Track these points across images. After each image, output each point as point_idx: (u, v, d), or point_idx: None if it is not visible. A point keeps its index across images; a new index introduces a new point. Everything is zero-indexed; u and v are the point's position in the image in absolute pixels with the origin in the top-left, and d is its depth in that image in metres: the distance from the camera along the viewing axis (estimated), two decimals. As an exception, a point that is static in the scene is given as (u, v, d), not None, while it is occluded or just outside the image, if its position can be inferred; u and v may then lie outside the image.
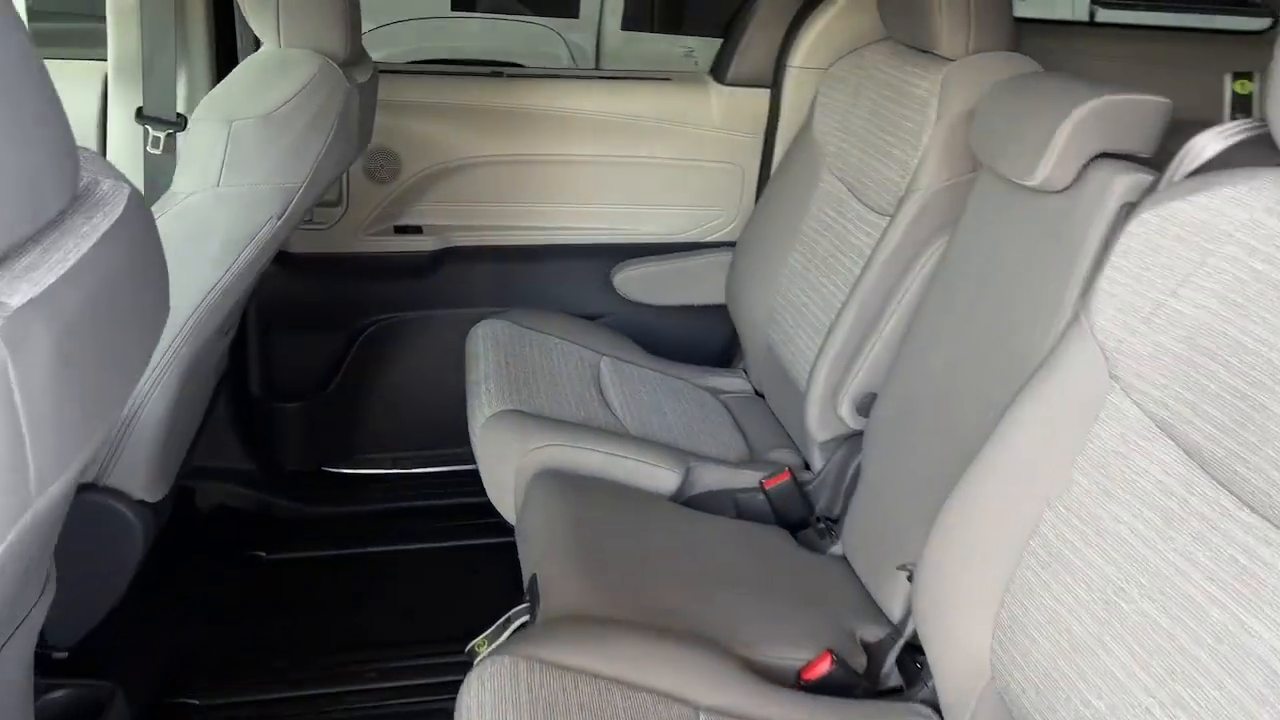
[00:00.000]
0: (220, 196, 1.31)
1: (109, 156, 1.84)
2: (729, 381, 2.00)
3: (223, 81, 1.38)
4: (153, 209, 1.36)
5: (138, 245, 0.71)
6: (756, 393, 1.99)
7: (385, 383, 2.16)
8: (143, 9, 1.73)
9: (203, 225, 1.31)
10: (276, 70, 1.37)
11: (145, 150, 1.79)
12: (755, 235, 1.98)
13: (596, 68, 4.47)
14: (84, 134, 1.88)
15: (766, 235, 1.94)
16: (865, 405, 1.55)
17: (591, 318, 2.15)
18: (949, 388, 1.31)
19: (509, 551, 1.53)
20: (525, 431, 1.56)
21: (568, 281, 2.15)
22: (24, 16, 0.66)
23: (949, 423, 1.29)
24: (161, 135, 1.77)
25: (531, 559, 1.39)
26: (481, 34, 4.39)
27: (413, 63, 2.35)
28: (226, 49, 1.81)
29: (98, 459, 1.38)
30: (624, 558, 1.37)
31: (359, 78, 1.49)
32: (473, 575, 1.92)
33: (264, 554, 1.94)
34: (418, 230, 2.05)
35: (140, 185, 1.81)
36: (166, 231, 1.36)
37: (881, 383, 1.50)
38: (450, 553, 1.98)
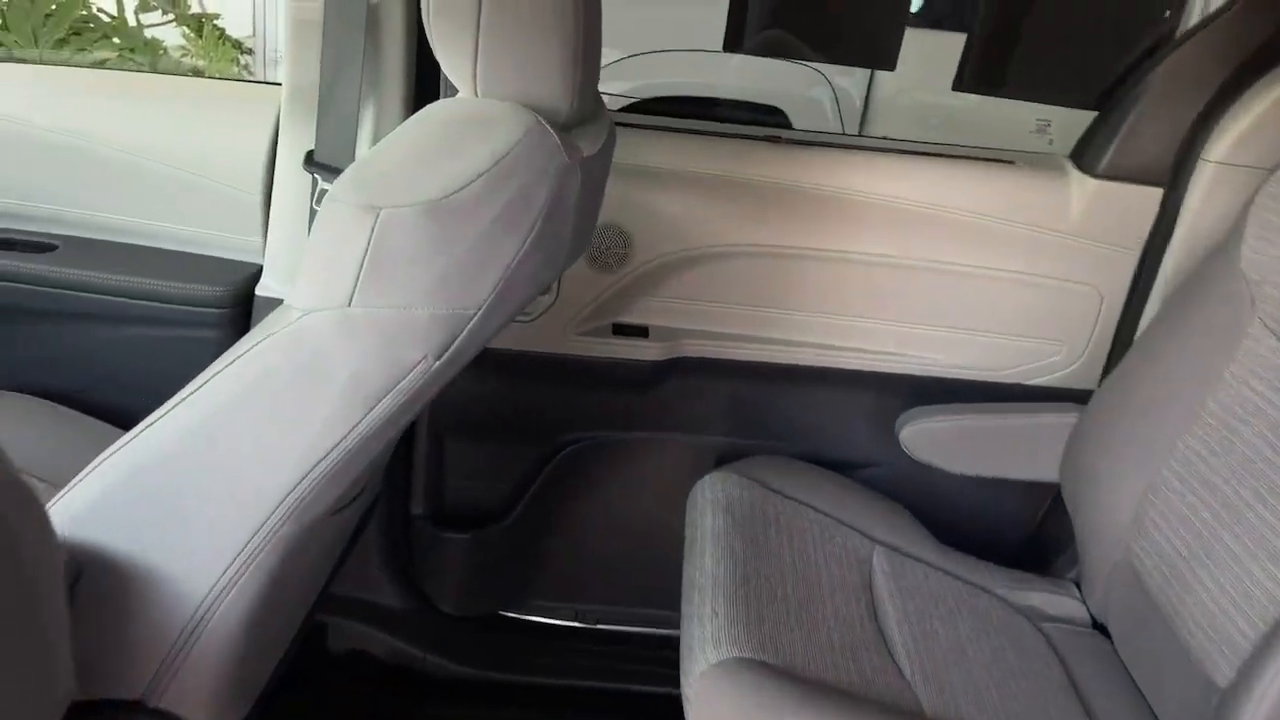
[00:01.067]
0: (350, 322, 0.84)
1: (273, 207, 1.45)
2: (1054, 601, 1.38)
3: (380, 143, 0.91)
4: (258, 325, 0.91)
5: None
6: (1095, 623, 1.37)
7: (580, 517, 1.68)
8: (326, 24, 1.32)
9: (320, 363, 0.85)
10: (462, 132, 0.89)
11: (310, 205, 1.38)
12: (1120, 396, 1.36)
13: (863, 118, 3.91)
14: (250, 176, 1.49)
15: (1140, 400, 1.32)
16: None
17: (854, 465, 1.59)
18: None
19: None
20: (769, 702, 1.02)
21: (830, 418, 1.60)
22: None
23: None
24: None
25: None
26: (732, 70, 3.91)
27: (652, 100, 1.86)
28: (426, 85, 1.37)
29: (146, 671, 0.94)
30: None
31: (587, 147, 0.99)
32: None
33: None
34: (642, 332, 1.56)
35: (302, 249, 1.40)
36: (268, 364, 0.91)
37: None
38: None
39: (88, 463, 0.90)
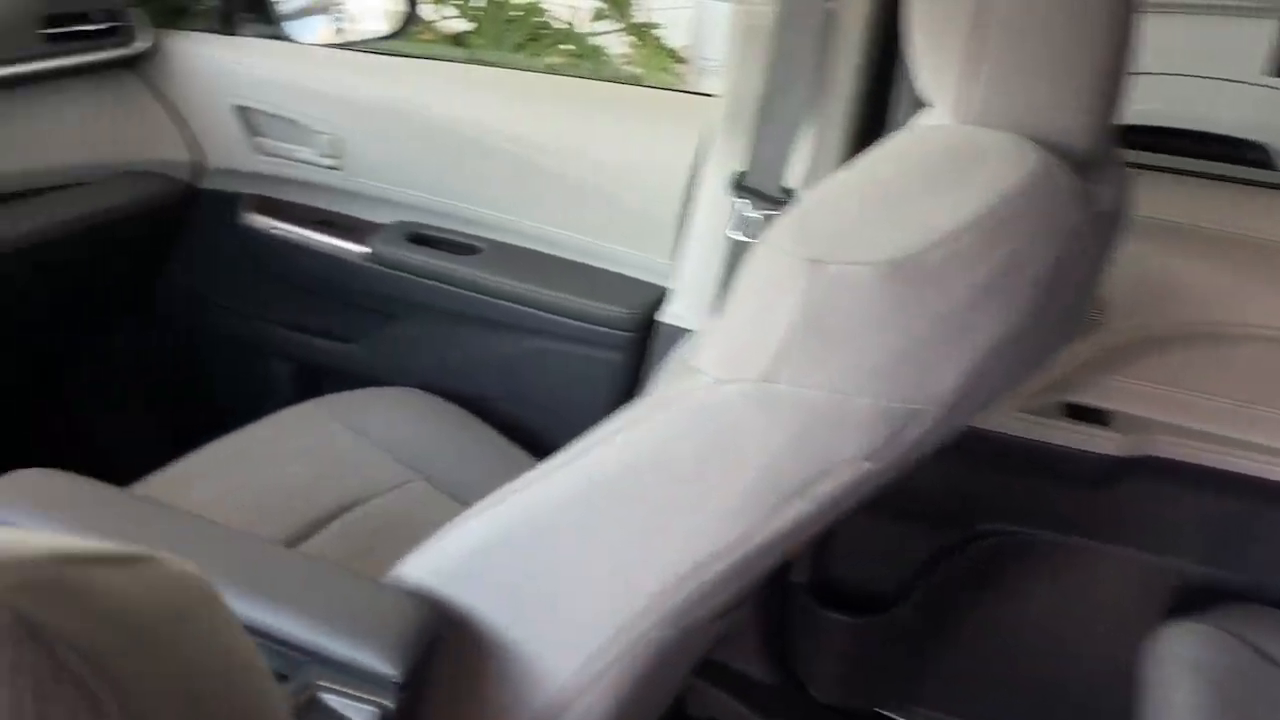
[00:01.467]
0: (771, 400, 0.66)
1: (689, 229, 1.33)
2: None
3: (834, 177, 0.73)
4: (659, 388, 0.76)
5: None
6: None
7: (987, 620, 1.41)
8: (777, 30, 1.17)
9: (728, 443, 0.68)
10: (943, 169, 0.68)
11: (725, 232, 1.24)
12: None
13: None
14: (667, 192, 1.39)
15: None
16: None
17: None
18: None
19: None
20: None
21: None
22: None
23: None
24: (757, 216, 1.20)
25: None
26: (1203, 98, 3.32)
27: (1134, 127, 1.53)
28: (875, 105, 1.18)
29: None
30: None
31: (1106, 198, 0.75)
32: None
33: None
34: (1100, 418, 1.26)
35: (715, 284, 1.27)
36: (666, 437, 0.75)
37: None
38: None
39: (478, 476, 0.82)
